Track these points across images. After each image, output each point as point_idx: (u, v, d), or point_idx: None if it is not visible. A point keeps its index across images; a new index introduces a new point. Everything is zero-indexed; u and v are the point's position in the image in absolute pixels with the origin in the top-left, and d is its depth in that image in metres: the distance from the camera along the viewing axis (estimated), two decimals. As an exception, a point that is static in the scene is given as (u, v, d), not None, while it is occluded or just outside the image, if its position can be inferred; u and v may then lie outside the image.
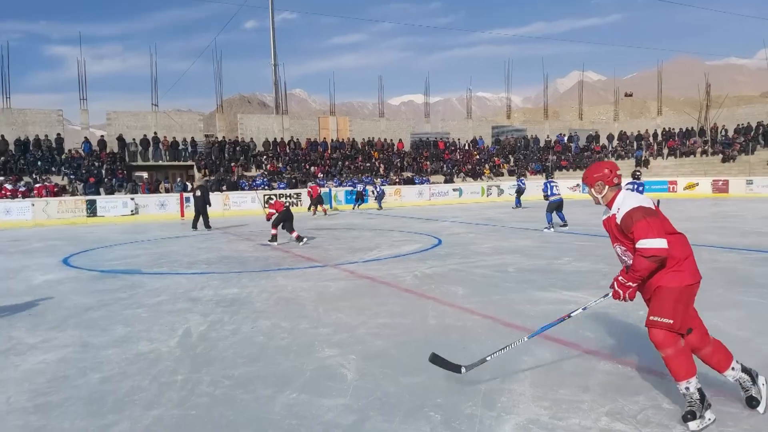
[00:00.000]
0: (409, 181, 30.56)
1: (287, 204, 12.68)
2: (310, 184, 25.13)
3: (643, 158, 35.60)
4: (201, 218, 16.36)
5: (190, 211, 23.36)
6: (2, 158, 25.95)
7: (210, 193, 17.91)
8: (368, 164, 32.65)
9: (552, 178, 17.36)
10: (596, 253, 9.33)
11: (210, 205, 16.85)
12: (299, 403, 3.39)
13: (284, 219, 11.94)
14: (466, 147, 37.78)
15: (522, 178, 24.20)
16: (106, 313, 5.91)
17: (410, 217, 19.40)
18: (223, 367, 4.06)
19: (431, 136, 37.74)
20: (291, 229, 11.95)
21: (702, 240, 9.80)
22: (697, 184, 29.60)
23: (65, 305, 6.33)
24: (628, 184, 11.76)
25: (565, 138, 40.51)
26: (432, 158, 35.00)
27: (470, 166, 34.37)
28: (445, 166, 34.28)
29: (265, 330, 5.05)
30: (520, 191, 22.80)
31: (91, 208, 22.22)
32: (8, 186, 23.12)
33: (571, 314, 3.71)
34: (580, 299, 5.88)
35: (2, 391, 3.68)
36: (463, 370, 3.64)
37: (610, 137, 40.60)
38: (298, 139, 33.83)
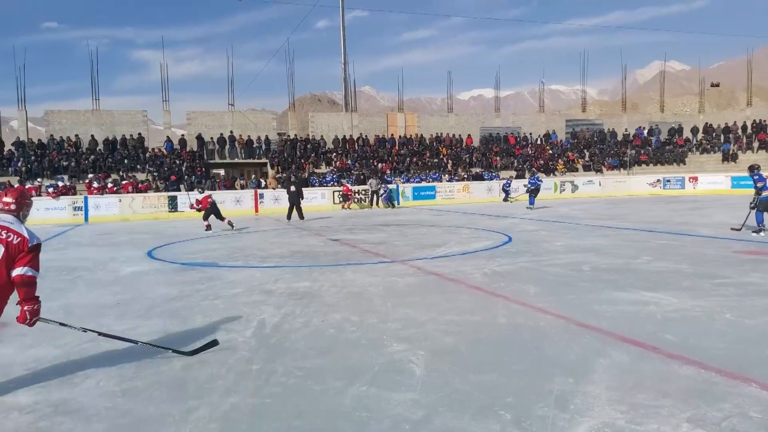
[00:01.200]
0: (478, 177, 30.15)
1: (212, 199, 15.24)
2: (344, 182, 26.16)
3: (731, 152, 33.38)
4: (295, 210, 18.23)
5: (265, 207, 24.22)
6: (92, 157, 27.88)
7: (303, 187, 20.73)
8: (436, 160, 32.50)
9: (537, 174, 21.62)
10: (678, 252, 8.85)
11: (303, 199, 19.14)
12: (369, 396, 3.43)
13: (212, 212, 14.81)
14: (538, 141, 36.82)
15: (537, 175, 22.19)
16: (186, 303, 6.22)
17: (479, 213, 19.15)
18: (295, 358, 4.17)
19: (501, 131, 37.04)
20: (221, 218, 14.86)
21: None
22: (794, 180, 27.40)
23: (149, 295, 6.72)
24: (753, 175, 10.99)
25: (645, 131, 38.57)
26: (502, 153, 34.36)
27: (542, 162, 33.47)
28: (516, 161, 33.57)
29: (335, 323, 5.14)
30: (537, 189, 20.66)
31: (173, 204, 23.45)
32: (96, 183, 24.81)
33: None
34: (662, 300, 5.60)
35: (93, 376, 3.94)
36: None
37: (694, 130, 38.31)
38: (366, 135, 34.17)
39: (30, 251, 3.60)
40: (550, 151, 35.15)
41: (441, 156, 33.22)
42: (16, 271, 3.55)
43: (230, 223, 14.94)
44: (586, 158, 35.24)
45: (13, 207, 3.77)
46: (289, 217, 18.21)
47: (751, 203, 10.77)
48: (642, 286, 6.31)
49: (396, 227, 14.95)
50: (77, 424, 3.14)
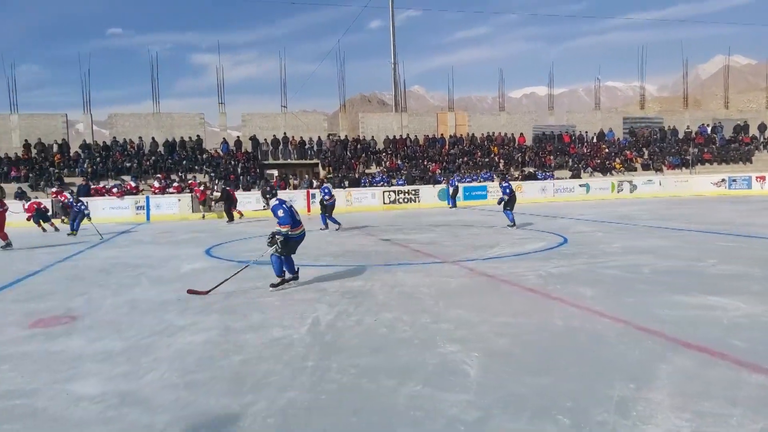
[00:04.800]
0: (531, 177, 29.58)
1: (42, 206, 17.05)
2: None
3: (803, 149, 31.44)
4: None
5: (316, 206, 24.59)
6: (153, 158, 29.04)
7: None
8: (487, 159, 32.11)
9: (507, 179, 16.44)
10: (746, 255, 8.42)
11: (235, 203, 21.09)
12: (422, 395, 3.43)
13: (41, 217, 16.60)
14: (594, 140, 35.78)
15: (509, 180, 16.50)
16: (244, 300, 6.39)
17: (532, 214, 18.79)
18: (349, 356, 4.22)
19: (555, 129, 36.21)
20: (50, 222, 16.95)
21: None
22: None
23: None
24: None
25: (709, 129, 36.86)
26: (556, 152, 33.60)
27: (599, 161, 32.52)
28: (570, 160, 32.75)
29: (387, 322, 5.17)
30: (513, 199, 14.28)
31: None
32: (156, 183, 25.83)
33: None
34: (728, 305, 5.35)
35: (157, 368, 4.11)
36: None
37: (761, 127, 36.31)
38: (416, 135, 34.14)
39: None
40: (607, 150, 34.09)
41: (492, 155, 32.80)
42: None
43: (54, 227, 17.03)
44: (645, 157, 34.00)
45: None
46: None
47: None
48: (706, 290, 6.03)
49: (446, 227, 14.87)
50: (142, 415, 3.28)
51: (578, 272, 7.45)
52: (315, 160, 32.36)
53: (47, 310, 6.16)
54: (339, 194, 25.21)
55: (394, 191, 26.00)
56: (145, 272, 8.71)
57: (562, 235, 11.79)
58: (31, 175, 26.64)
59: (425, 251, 10.09)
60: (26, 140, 29.09)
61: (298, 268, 7.27)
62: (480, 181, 28.27)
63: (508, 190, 13.88)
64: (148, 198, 23.72)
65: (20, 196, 23.83)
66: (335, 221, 14.95)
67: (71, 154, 29.20)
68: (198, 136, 31.35)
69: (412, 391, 3.51)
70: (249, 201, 24.39)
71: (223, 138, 32.49)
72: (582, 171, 31.40)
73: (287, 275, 7.15)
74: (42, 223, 16.79)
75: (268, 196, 9.65)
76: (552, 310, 5.44)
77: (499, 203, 14.31)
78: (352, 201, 25.17)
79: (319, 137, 32.99)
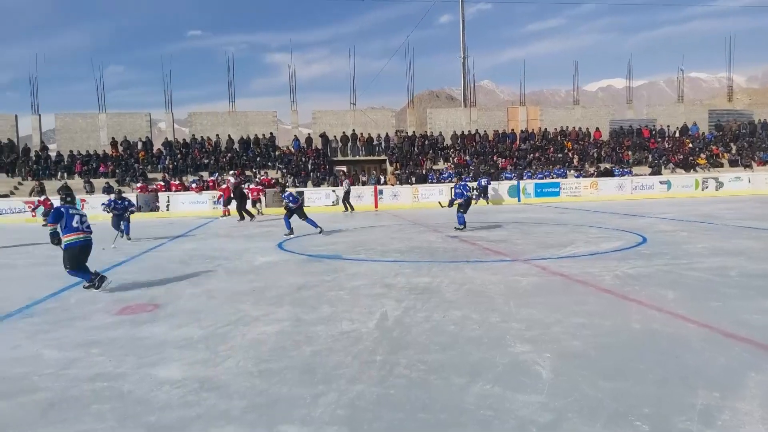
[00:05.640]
0: (608, 173, 28.41)
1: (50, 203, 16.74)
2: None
3: None
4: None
5: (384, 202, 24.76)
6: (229, 155, 30.22)
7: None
8: (560, 155, 31.16)
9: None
10: None
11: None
12: (492, 395, 3.38)
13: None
14: (676, 134, 33.92)
15: (466, 180, 15.68)
16: (314, 293, 6.53)
17: (608, 212, 18.06)
18: (417, 351, 4.22)
19: (634, 124, 34.61)
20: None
21: None
22: None
23: (281, 284, 7.15)
24: None
25: (806, 121, 34.06)
26: (635, 147, 32.12)
27: (681, 156, 30.80)
28: (650, 156, 31.22)
29: (455, 320, 5.12)
30: (468, 202, 13.45)
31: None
32: (232, 179, 26.83)
33: None
34: (829, 313, 4.91)
35: (233, 356, 4.28)
36: None
37: None
38: (485, 131, 33.63)
39: None
40: (690, 145, 32.23)
41: (566, 151, 31.80)
42: None
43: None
44: (733, 152, 31.87)
45: None
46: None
47: None
48: (805, 296, 5.58)
49: (517, 225, 14.56)
50: (220, 400, 3.42)
51: (658, 273, 7.09)
52: (383, 157, 32.59)
53: (133, 298, 6.56)
54: (406, 190, 25.29)
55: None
56: (222, 264, 9.08)
57: (640, 234, 11.25)
58: (117, 171, 28.44)
59: (494, 249, 9.92)
60: (113, 138, 31.07)
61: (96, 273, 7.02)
62: (553, 178, 27.47)
63: (464, 192, 13.14)
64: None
65: (108, 190, 25.52)
66: (314, 223, 13.69)
67: (154, 151, 30.91)
68: (271, 133, 32.33)
69: (482, 389, 3.46)
70: (318, 197, 24.92)
71: (294, 135, 33.34)
72: (663, 167, 29.85)
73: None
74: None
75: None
76: (629, 312, 5.21)
77: (450, 205, 13.70)
78: (419, 197, 25.14)
79: (386, 134, 33.19)
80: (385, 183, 27.49)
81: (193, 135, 32.34)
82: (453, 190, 13.55)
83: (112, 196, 14.31)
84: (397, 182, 27.29)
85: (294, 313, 5.55)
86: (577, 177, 27.89)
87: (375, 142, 32.58)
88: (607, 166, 29.93)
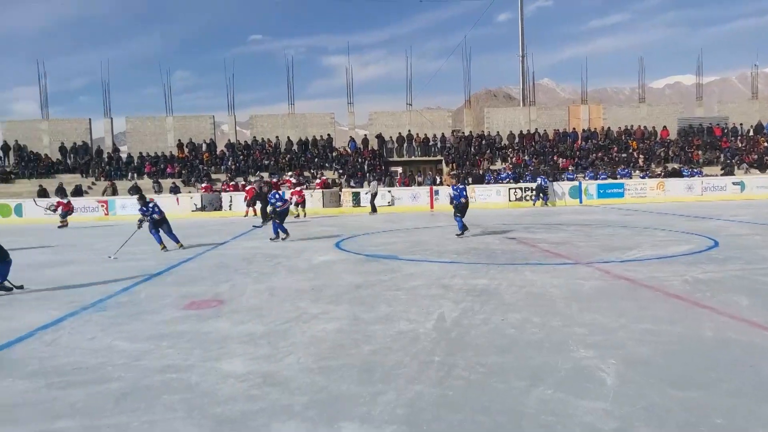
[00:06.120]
0: (676, 174, 27.15)
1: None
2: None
3: None
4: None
5: (440, 203, 24.65)
6: (288, 156, 30.89)
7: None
8: (624, 155, 30.04)
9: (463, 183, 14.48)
10: None
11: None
12: (554, 400, 3.30)
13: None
14: (751, 133, 32.02)
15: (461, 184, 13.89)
16: (371, 292, 6.58)
17: (677, 214, 17.27)
18: (476, 354, 4.17)
19: (704, 122, 32.93)
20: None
21: None
22: None
23: (339, 283, 7.24)
24: None
25: None
26: (705, 147, 30.58)
27: (756, 156, 29.05)
28: (722, 155, 29.62)
29: (515, 323, 5.03)
30: (462, 206, 12.55)
31: (356, 199, 25.01)
32: (292, 179, 27.42)
33: None
34: None
35: (294, 352, 4.37)
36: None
37: None
38: (545, 130, 32.88)
39: None
40: (766, 144, 30.34)
41: (630, 150, 30.64)
42: None
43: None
44: (816, 151, 29.77)
45: None
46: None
47: None
48: None
49: (578, 227, 14.15)
50: (282, 395, 3.50)
51: (731, 279, 6.72)
52: (438, 157, 32.44)
53: (198, 294, 6.81)
54: (463, 191, 25.02)
55: (520, 188, 25.25)
56: (282, 262, 9.29)
57: (711, 237, 10.69)
58: (183, 171, 29.62)
59: (555, 251, 9.68)
60: (179, 140, 32.38)
61: None
62: (617, 178, 26.53)
63: (461, 196, 12.30)
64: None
65: (174, 190, 26.61)
66: (285, 231, 12.69)
67: (217, 153, 32.00)
68: (328, 134, 32.82)
69: (544, 394, 3.38)
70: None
71: (351, 137, 33.69)
72: (736, 167, 28.24)
73: None
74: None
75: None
76: (700, 319, 4.96)
77: (452, 203, 12.71)
78: (475, 198, 24.84)
79: (442, 134, 33.02)
80: (441, 183, 27.33)
81: (254, 137, 33.26)
82: (454, 193, 12.58)
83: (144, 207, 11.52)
84: (453, 182, 27.08)
85: (352, 312, 5.61)
86: (643, 177, 26.81)
87: (431, 143, 32.47)
88: (675, 166, 28.61)
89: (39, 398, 3.58)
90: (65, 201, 20.38)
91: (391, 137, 32.72)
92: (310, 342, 4.63)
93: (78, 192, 26.53)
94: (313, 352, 4.36)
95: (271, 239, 12.57)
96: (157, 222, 11.40)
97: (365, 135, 33.88)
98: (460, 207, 12.40)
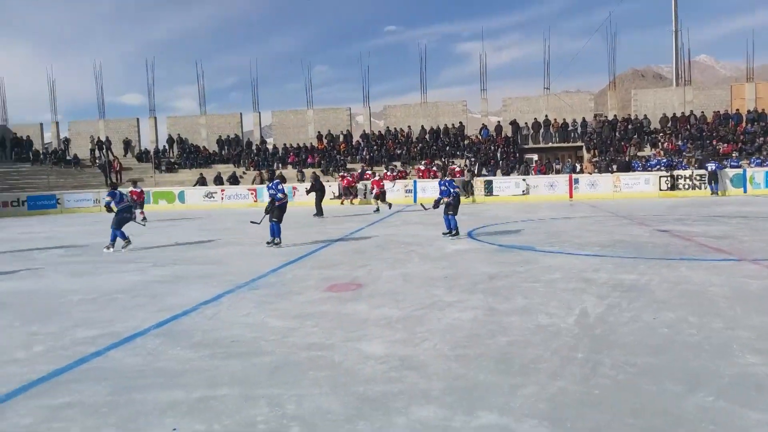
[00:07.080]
0: None
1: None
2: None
3: None
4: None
5: (580, 192, 23.40)
6: (420, 145, 31.15)
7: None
8: (801, 138, 26.20)
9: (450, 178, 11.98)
10: None
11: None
12: (716, 408, 2.99)
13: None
14: None
15: (452, 180, 11.63)
16: (506, 283, 6.44)
17: None
18: (624, 353, 3.91)
19: None
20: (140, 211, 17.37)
21: None
22: None
23: (472, 272, 7.18)
24: None
25: None
26: None
27: None
28: None
29: (669, 322, 4.63)
30: (455, 203, 11.13)
31: (488, 188, 24.59)
32: (422, 167, 27.70)
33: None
34: None
35: (429, 338, 4.41)
36: None
37: None
38: (702, 112, 29.70)
39: None
40: None
41: (808, 133, 26.67)
42: None
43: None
44: None
45: None
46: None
47: None
48: None
49: (742, 219, 12.64)
50: (420, 379, 3.56)
51: None
52: (578, 143, 30.76)
53: (338, 277, 7.15)
54: (605, 179, 23.61)
55: (673, 176, 23.11)
56: (415, 250, 9.43)
57: None
58: (323, 161, 31.16)
59: (715, 246, 8.75)
60: (319, 132, 34.07)
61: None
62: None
63: (450, 190, 10.90)
64: (415, 182, 25.62)
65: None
66: (279, 234, 10.47)
67: (353, 143, 33.21)
68: (460, 122, 32.55)
69: (703, 401, 3.08)
70: (508, 186, 24.47)
71: (483, 124, 33.10)
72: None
73: None
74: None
75: None
76: None
77: (436, 206, 11.37)
78: (621, 187, 23.21)
79: (583, 118, 31.23)
80: (581, 171, 25.89)
81: (388, 127, 33.99)
82: (439, 187, 11.37)
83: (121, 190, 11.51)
84: (595, 170, 25.53)
85: (487, 302, 5.53)
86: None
87: (570, 128, 30.87)
88: None
89: (202, 366, 3.98)
90: (138, 190, 18.75)
91: (526, 123, 31.63)
92: (446, 329, 4.65)
93: (234, 180, 29.19)
94: (448, 339, 4.37)
95: (267, 243, 10.40)
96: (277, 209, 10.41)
97: (498, 122, 33.09)
98: (455, 203, 11.02)
